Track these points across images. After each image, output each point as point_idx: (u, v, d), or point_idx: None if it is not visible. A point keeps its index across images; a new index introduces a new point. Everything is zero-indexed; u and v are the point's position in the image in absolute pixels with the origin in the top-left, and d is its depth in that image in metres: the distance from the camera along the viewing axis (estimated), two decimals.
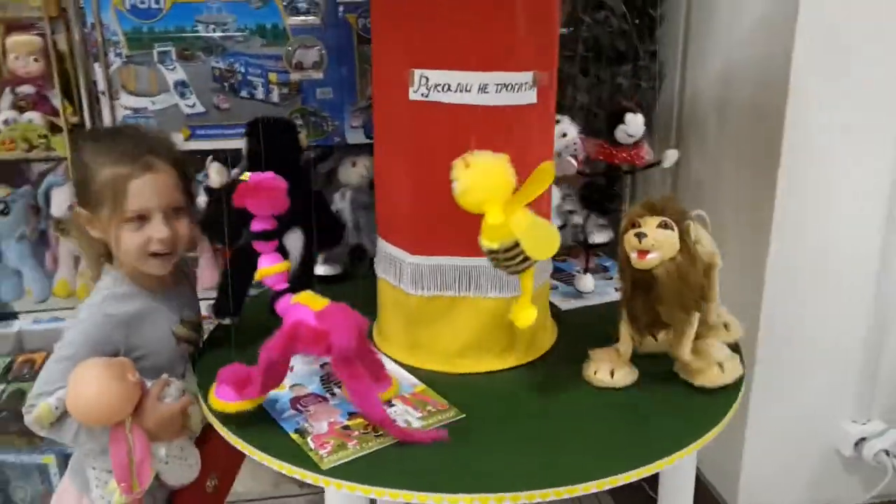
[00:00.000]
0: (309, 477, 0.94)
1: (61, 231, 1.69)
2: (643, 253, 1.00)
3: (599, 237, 1.48)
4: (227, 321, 1.29)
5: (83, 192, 1.18)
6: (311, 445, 0.98)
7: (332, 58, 1.63)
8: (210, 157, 1.39)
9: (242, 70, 1.61)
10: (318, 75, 1.64)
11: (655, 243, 1.00)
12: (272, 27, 1.60)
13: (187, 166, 1.23)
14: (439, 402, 1.08)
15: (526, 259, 0.97)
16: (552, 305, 1.34)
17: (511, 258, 0.97)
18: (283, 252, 1.24)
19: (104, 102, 1.60)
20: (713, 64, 1.66)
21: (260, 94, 1.64)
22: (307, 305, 1.01)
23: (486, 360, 1.18)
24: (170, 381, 1.13)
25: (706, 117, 1.69)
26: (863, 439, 1.63)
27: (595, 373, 1.12)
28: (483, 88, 1.06)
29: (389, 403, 1.08)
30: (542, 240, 0.96)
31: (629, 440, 1.02)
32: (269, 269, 1.12)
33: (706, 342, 1.11)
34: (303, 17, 1.60)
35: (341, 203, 1.59)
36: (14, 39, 1.65)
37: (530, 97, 1.10)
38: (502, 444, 1.00)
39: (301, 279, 1.24)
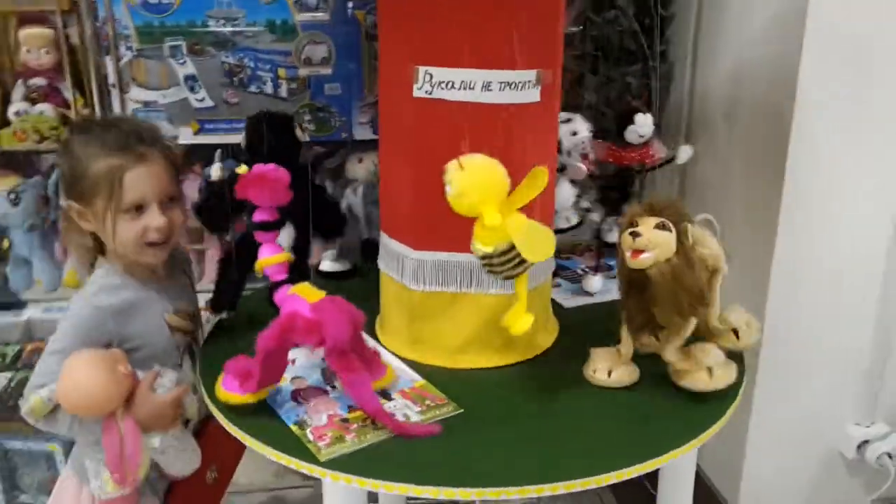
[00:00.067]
0: (306, 468, 0.95)
1: None
2: (637, 252, 1.00)
3: (614, 236, 1.47)
4: (224, 315, 1.29)
5: (74, 184, 1.16)
6: (310, 437, 0.99)
7: (341, 54, 1.64)
8: (218, 151, 1.39)
9: (252, 65, 1.63)
10: (327, 71, 1.65)
11: (650, 243, 0.99)
12: (282, 23, 1.61)
13: (176, 155, 1.23)
14: (438, 397, 1.09)
15: (521, 262, 0.96)
16: (555, 303, 1.35)
17: (506, 262, 0.96)
18: None
19: (115, 95, 1.62)
20: (723, 63, 1.66)
21: (269, 89, 1.65)
22: (303, 297, 1.01)
23: (487, 357, 1.19)
24: (162, 372, 1.13)
25: (716, 117, 1.69)
26: (866, 442, 1.62)
27: (594, 372, 1.12)
28: (486, 86, 1.06)
29: (388, 396, 1.08)
30: (538, 242, 0.95)
31: (628, 437, 1.02)
32: (270, 258, 1.13)
33: (699, 346, 1.09)
34: (312, 14, 1.61)
35: (353, 198, 1.58)
36: (27, 32, 1.67)
37: (534, 95, 1.10)
38: (501, 439, 1.01)
39: (293, 273, 1.23)
